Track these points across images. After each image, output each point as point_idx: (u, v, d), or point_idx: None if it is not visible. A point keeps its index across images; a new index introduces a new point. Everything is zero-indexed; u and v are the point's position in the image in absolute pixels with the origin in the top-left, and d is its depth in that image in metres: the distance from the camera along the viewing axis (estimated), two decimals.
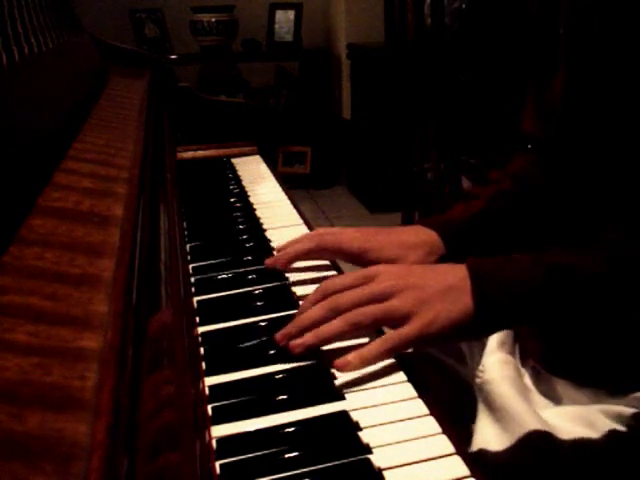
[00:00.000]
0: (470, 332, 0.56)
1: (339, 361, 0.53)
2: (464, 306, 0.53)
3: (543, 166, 0.78)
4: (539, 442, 0.62)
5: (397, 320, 0.54)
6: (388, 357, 0.54)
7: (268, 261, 0.72)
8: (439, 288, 0.54)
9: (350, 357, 0.53)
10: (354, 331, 0.54)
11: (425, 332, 0.53)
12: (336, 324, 0.54)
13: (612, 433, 0.62)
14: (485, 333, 0.58)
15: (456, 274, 0.55)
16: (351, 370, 0.53)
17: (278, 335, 0.56)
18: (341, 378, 0.53)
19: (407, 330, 0.53)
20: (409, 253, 0.68)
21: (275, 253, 0.77)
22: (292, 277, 0.71)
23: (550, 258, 0.56)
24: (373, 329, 0.56)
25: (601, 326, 0.61)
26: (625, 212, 0.65)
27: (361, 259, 0.68)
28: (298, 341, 0.54)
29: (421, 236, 0.70)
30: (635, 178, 0.63)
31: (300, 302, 0.65)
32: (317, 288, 0.59)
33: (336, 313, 0.55)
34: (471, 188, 0.83)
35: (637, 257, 0.55)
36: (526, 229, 0.78)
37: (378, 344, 0.53)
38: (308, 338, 0.54)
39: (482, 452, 0.63)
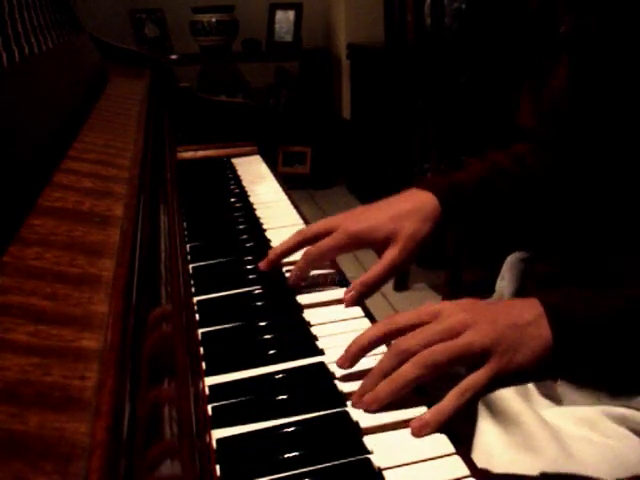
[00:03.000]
0: (548, 371, 0.52)
1: (416, 423, 0.46)
2: (544, 341, 0.49)
3: (540, 156, 0.79)
4: (540, 443, 0.61)
5: (476, 357, 0.48)
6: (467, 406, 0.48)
7: (261, 264, 0.71)
8: (514, 322, 0.50)
9: (428, 417, 0.46)
10: (431, 374, 0.48)
11: (507, 371, 0.48)
12: (410, 370, 0.48)
13: (615, 434, 0.62)
14: (563, 372, 0.54)
15: (529, 309, 0.51)
16: (432, 432, 0.46)
17: (354, 404, 0.49)
18: (341, 378, 0.53)
19: (486, 373, 0.48)
20: (403, 224, 0.66)
21: None
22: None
23: (627, 291, 0.52)
24: (449, 369, 0.50)
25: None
26: (624, 201, 0.65)
27: (356, 246, 0.67)
28: (369, 397, 0.48)
29: (415, 202, 0.68)
30: (634, 172, 0.63)
31: (298, 300, 0.66)
32: (376, 324, 0.54)
33: (406, 357, 0.49)
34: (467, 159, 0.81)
35: None
36: (517, 206, 0.77)
37: (456, 397, 0.48)
38: (382, 392, 0.48)
39: (482, 452, 0.63)
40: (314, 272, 0.71)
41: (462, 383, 0.48)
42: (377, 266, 0.66)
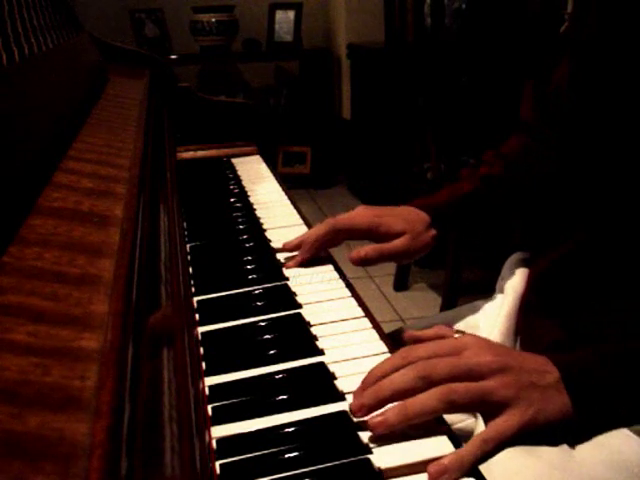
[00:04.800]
0: (563, 437, 0.50)
1: (434, 468, 0.43)
2: (563, 407, 0.48)
3: (537, 154, 0.81)
4: (539, 442, 0.61)
5: (493, 406, 0.47)
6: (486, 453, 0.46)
7: (288, 245, 0.76)
8: (537, 380, 0.48)
9: (447, 461, 0.44)
10: (446, 411, 0.47)
11: (526, 428, 0.47)
12: (427, 400, 0.46)
13: (617, 435, 0.62)
14: (583, 437, 0.51)
15: (548, 368, 0.50)
16: (447, 478, 0.43)
17: (353, 405, 0.48)
18: (341, 379, 0.53)
19: (507, 426, 0.46)
20: (414, 226, 0.74)
21: (277, 255, 0.77)
22: (292, 277, 0.71)
23: (633, 346, 0.52)
24: (463, 412, 0.50)
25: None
26: (626, 203, 0.65)
27: (373, 234, 0.74)
28: (378, 419, 0.46)
29: (418, 214, 0.77)
30: (633, 170, 0.63)
31: (298, 300, 0.66)
32: (397, 352, 0.52)
33: (427, 384, 0.47)
34: (463, 171, 0.85)
35: None
36: (516, 214, 0.82)
37: (480, 443, 0.46)
38: (392, 417, 0.46)
39: None
40: (315, 274, 0.72)
41: (486, 431, 0.47)
42: (383, 244, 0.73)
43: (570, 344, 0.69)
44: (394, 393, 0.47)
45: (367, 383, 0.49)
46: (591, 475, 0.56)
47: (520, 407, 0.46)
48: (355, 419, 0.48)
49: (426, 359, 0.49)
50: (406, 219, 0.75)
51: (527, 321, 0.75)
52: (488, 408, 0.47)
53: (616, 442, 0.60)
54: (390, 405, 0.47)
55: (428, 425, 0.47)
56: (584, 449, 0.59)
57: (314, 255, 0.75)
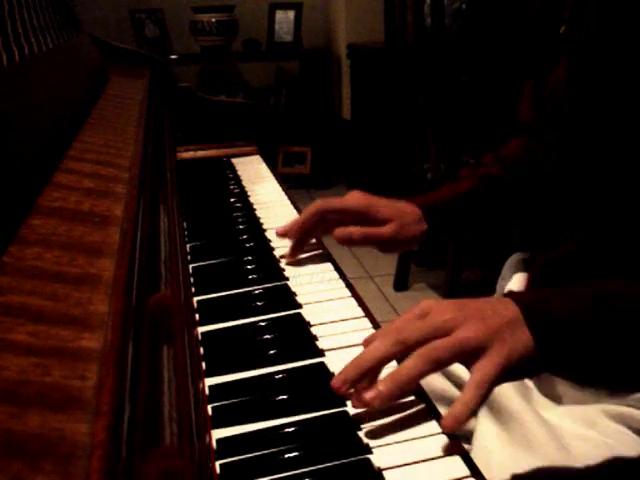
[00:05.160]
0: (531, 368, 0.52)
1: (446, 421, 0.46)
2: (526, 339, 0.50)
3: (536, 154, 0.81)
4: (539, 442, 0.62)
5: (474, 352, 0.49)
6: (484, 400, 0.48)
7: (279, 230, 0.77)
8: (500, 321, 0.50)
9: (456, 412, 0.46)
10: (433, 371, 0.48)
11: (506, 365, 0.48)
12: (412, 364, 0.47)
13: (613, 433, 0.62)
14: (546, 368, 0.53)
15: (508, 308, 0.52)
16: (460, 425, 0.46)
17: (334, 383, 0.48)
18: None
19: (491, 365, 0.48)
20: (404, 217, 0.75)
21: (275, 253, 0.77)
22: (292, 277, 0.71)
23: (595, 288, 0.54)
24: (448, 366, 0.50)
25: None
26: (625, 203, 0.65)
27: (364, 216, 0.74)
28: (371, 394, 0.47)
29: (411, 207, 0.77)
30: (634, 170, 0.63)
31: (298, 300, 0.66)
32: (372, 334, 0.53)
33: (403, 347, 0.48)
34: (463, 170, 0.86)
35: None
36: (516, 214, 0.81)
37: (476, 386, 0.47)
38: (385, 388, 0.47)
39: (482, 452, 0.63)
40: (315, 274, 0.72)
41: (474, 375, 0.48)
42: (369, 228, 0.74)
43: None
44: (374, 362, 0.48)
45: (349, 376, 0.49)
46: (587, 471, 0.56)
47: (496, 347, 0.48)
48: (352, 412, 0.48)
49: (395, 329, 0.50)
50: (397, 208, 0.76)
51: None
52: (468, 357, 0.49)
53: (612, 440, 0.60)
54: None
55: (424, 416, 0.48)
56: (581, 446, 0.59)
57: (304, 236, 0.76)
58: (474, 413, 0.47)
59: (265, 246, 0.80)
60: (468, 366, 0.49)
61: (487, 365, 0.48)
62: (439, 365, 0.48)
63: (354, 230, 0.72)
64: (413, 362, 0.47)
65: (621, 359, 0.52)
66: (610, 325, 0.51)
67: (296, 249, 0.75)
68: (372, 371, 0.48)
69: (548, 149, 0.79)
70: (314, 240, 0.78)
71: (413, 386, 0.48)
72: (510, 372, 0.49)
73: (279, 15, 3.34)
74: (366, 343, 0.51)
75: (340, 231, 0.72)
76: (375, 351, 0.48)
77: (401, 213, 0.75)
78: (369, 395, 0.46)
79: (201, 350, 0.58)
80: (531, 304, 0.51)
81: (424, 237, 0.76)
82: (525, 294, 0.55)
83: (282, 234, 0.77)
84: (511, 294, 0.53)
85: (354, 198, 0.75)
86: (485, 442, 0.64)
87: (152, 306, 0.44)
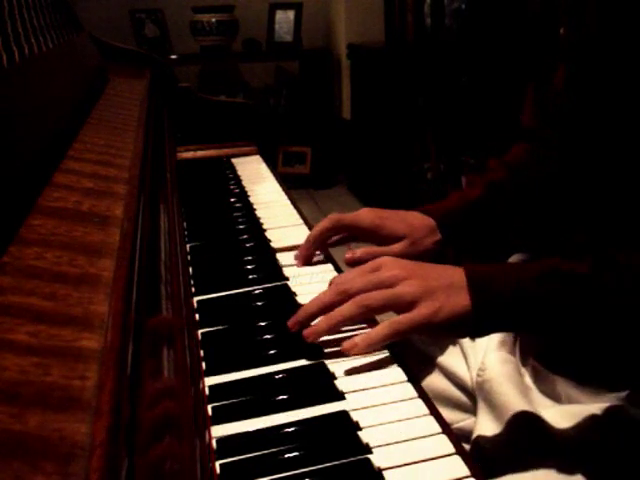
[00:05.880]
0: (467, 330, 0.58)
1: (347, 343, 0.55)
2: (464, 302, 0.55)
3: (538, 155, 0.81)
4: (539, 441, 0.62)
5: (403, 305, 0.56)
6: (394, 340, 0.56)
7: (297, 256, 0.76)
8: (442, 282, 0.57)
9: (358, 339, 0.55)
10: (364, 315, 0.57)
11: (430, 319, 0.55)
12: (346, 307, 0.56)
13: (613, 431, 0.62)
14: (481, 332, 0.59)
15: (455, 273, 0.58)
16: (358, 353, 0.55)
17: (289, 322, 0.58)
18: (341, 378, 0.53)
19: (413, 315, 0.55)
20: (416, 232, 0.75)
21: (277, 255, 0.77)
22: (292, 277, 0.71)
23: (541, 262, 0.58)
24: (380, 313, 0.58)
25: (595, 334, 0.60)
26: (624, 205, 0.65)
27: (375, 234, 0.75)
28: (310, 329, 0.57)
29: (423, 220, 0.77)
30: (634, 173, 0.63)
31: (298, 300, 0.66)
32: (328, 290, 0.60)
33: (345, 297, 0.56)
34: (469, 177, 0.87)
35: (625, 265, 0.56)
36: (518, 218, 0.81)
37: (385, 327, 0.55)
38: (320, 325, 0.57)
39: (482, 451, 0.63)
40: (315, 274, 0.72)
41: (398, 318, 0.55)
42: (379, 247, 0.75)
43: (568, 345, 0.69)
44: (319, 307, 0.58)
45: (299, 318, 0.59)
46: (587, 471, 0.57)
47: (426, 302, 0.55)
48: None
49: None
50: (409, 223, 0.76)
51: None
52: (401, 308, 0.56)
53: (612, 439, 0.61)
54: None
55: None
56: (561, 422, 0.63)
57: (318, 249, 0.76)
58: (371, 349, 0.55)
59: (265, 246, 0.80)
60: (399, 314, 0.56)
61: (411, 315, 0.55)
62: (369, 310, 0.56)
63: (363, 254, 0.72)
64: (347, 306, 0.56)
65: (559, 331, 0.58)
66: (548, 302, 0.55)
67: (304, 262, 0.75)
68: (317, 314, 0.58)
69: (550, 149, 0.79)
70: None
71: (343, 325, 0.57)
72: (445, 327, 0.56)
73: (279, 15, 3.33)
74: (318, 296, 0.59)
75: (350, 257, 0.72)
76: (322, 299, 0.58)
77: (411, 229, 0.75)
78: (308, 330, 0.57)
79: (201, 350, 0.58)
80: (478, 273, 0.57)
81: (438, 248, 0.77)
82: (478, 265, 0.59)
83: (302, 259, 0.76)
84: (467, 265, 0.59)
85: (365, 216, 0.76)
86: (485, 442, 0.64)
87: (152, 308, 0.44)
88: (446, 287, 0.56)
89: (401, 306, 0.56)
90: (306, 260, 0.75)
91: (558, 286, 0.55)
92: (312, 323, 0.58)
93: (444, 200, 0.82)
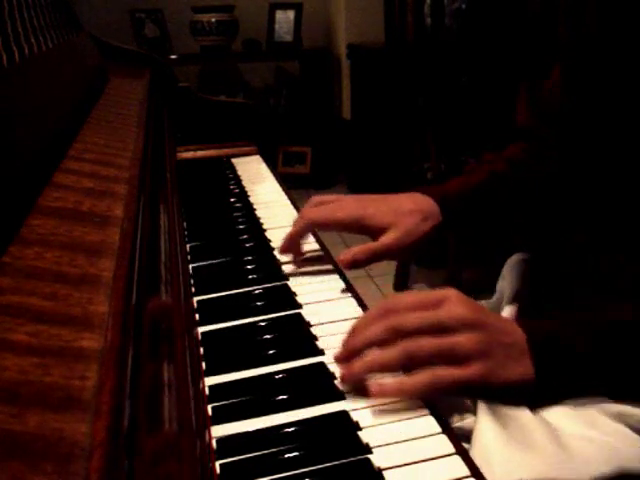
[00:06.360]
0: (523, 398, 0.52)
1: (374, 387, 0.49)
2: (525, 370, 0.49)
3: (537, 155, 0.80)
4: (539, 441, 0.61)
5: (455, 359, 0.49)
6: (428, 396, 0.49)
7: (281, 247, 0.74)
8: (504, 340, 0.50)
9: (388, 388, 0.49)
10: (406, 365, 0.49)
11: (481, 381, 0.48)
12: (389, 355, 0.49)
13: (613, 432, 0.62)
14: (542, 404, 0.53)
15: (518, 332, 0.51)
16: (385, 397, 0.49)
17: (336, 357, 0.53)
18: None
19: (463, 372, 0.48)
20: (403, 219, 0.69)
21: (275, 253, 0.77)
22: (292, 277, 0.71)
23: (611, 315, 0.53)
24: (427, 363, 0.50)
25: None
26: (624, 205, 0.65)
27: (356, 227, 0.69)
28: (348, 374, 0.51)
29: (418, 202, 0.72)
30: (634, 173, 0.63)
31: (298, 300, 0.66)
32: (377, 305, 0.54)
33: (396, 335, 0.50)
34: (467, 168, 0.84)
35: None
36: (519, 213, 0.79)
37: (425, 378, 0.48)
38: (357, 371, 0.50)
39: (482, 452, 0.63)
40: (315, 275, 0.72)
41: (436, 370, 0.48)
42: (372, 243, 0.69)
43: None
44: (363, 344, 0.51)
45: (349, 340, 0.53)
46: (587, 471, 0.56)
47: (480, 361, 0.48)
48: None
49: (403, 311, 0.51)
50: (398, 210, 0.70)
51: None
52: (449, 361, 0.49)
53: (613, 439, 0.60)
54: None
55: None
56: (580, 446, 0.59)
57: (296, 251, 0.74)
58: (407, 396, 0.48)
59: (265, 246, 0.80)
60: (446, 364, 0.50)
61: (456, 372, 0.48)
62: (415, 363, 0.49)
63: (357, 253, 0.67)
64: (391, 353, 0.49)
65: (621, 385, 0.53)
66: (617, 363, 0.51)
67: (291, 253, 0.74)
68: (361, 351, 0.51)
69: (548, 149, 0.79)
70: (316, 244, 0.79)
71: (385, 372, 0.50)
72: (496, 393, 0.49)
73: (279, 15, 3.34)
74: (364, 319, 0.53)
75: (344, 260, 0.67)
76: (369, 334, 0.51)
77: (400, 216, 0.70)
78: (345, 375, 0.51)
79: (201, 350, 0.58)
80: (537, 331, 0.50)
81: (434, 232, 0.71)
82: (533, 321, 0.53)
83: (285, 251, 0.74)
84: (518, 320, 0.53)
85: (342, 209, 0.70)
86: (485, 442, 0.64)
87: (152, 308, 0.44)
88: (508, 345, 0.49)
89: (452, 359, 0.48)
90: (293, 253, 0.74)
91: (626, 346, 0.51)
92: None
93: (444, 184, 0.77)
